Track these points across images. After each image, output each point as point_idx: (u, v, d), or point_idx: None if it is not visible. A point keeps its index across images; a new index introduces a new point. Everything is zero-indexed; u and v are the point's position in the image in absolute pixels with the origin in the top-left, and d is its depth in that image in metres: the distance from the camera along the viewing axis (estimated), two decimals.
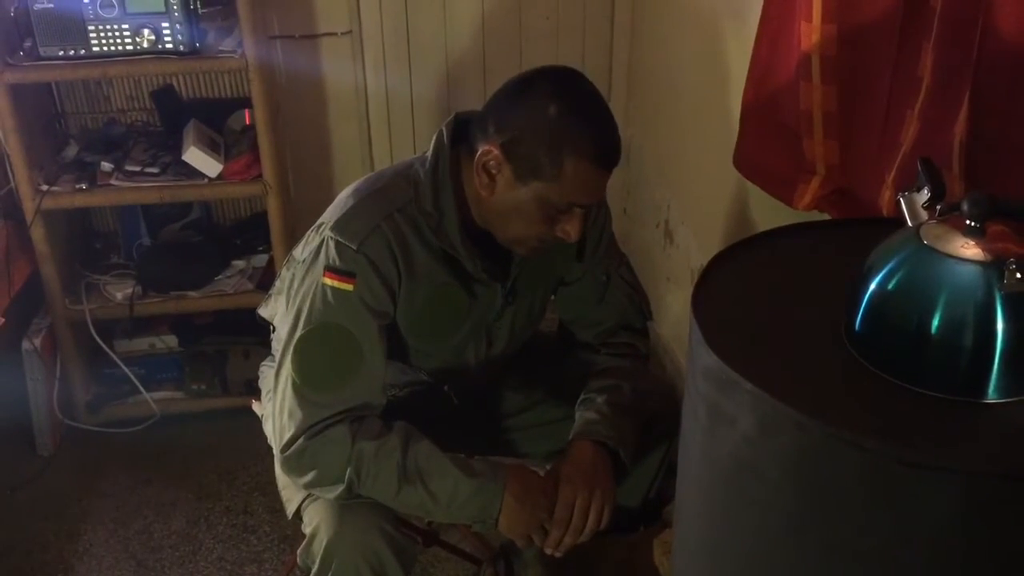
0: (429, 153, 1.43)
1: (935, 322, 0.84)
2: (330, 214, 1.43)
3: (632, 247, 2.55)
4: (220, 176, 2.23)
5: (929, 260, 0.85)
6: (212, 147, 2.26)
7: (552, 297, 1.64)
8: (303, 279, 1.41)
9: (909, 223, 0.94)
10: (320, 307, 1.38)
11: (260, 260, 2.46)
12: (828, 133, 1.48)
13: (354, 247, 1.37)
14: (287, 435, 1.38)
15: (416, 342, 1.51)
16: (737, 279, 1.03)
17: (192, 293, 2.37)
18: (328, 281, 1.37)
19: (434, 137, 1.43)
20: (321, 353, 1.39)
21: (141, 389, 2.42)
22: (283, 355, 1.41)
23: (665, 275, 2.50)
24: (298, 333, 1.39)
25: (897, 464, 0.76)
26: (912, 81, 1.27)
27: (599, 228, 1.57)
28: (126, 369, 2.41)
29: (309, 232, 1.46)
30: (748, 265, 1.06)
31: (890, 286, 0.87)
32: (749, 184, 1.76)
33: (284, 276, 1.53)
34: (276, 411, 1.41)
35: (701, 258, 2.23)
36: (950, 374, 0.85)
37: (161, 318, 2.47)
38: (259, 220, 2.46)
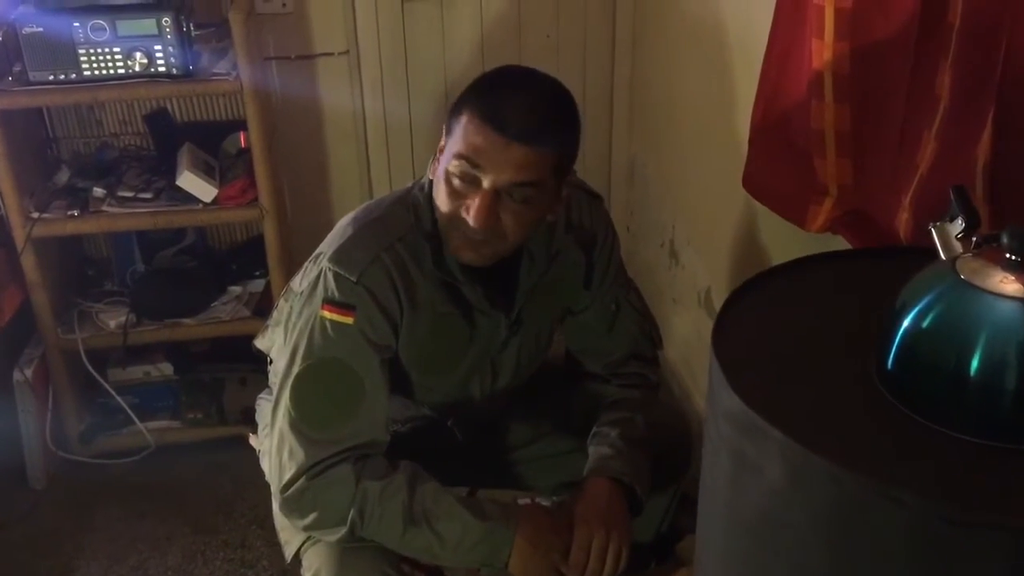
0: (427, 178, 1.39)
1: (974, 362, 0.79)
2: (328, 244, 1.38)
3: (636, 267, 2.50)
4: (215, 201, 2.19)
5: (967, 296, 0.81)
6: (207, 171, 2.22)
7: (560, 325, 1.59)
8: (301, 312, 1.36)
9: (942, 255, 0.89)
10: (319, 341, 1.33)
11: (257, 285, 2.41)
12: (841, 153, 1.45)
13: (354, 279, 1.32)
14: (287, 475, 1.33)
15: (419, 375, 1.46)
16: (758, 314, 0.98)
17: (187, 320, 2.32)
18: (327, 314, 1.33)
19: (431, 160, 1.39)
20: (321, 389, 1.34)
21: (135, 419, 2.36)
22: (280, 391, 1.36)
23: (671, 296, 2.45)
24: (296, 369, 1.34)
25: (942, 521, 0.71)
26: (929, 100, 1.23)
27: (606, 255, 1.53)
28: (119, 399, 2.35)
29: (307, 263, 1.42)
30: (769, 299, 1.01)
31: (925, 324, 0.83)
32: (757, 204, 1.72)
33: (282, 307, 1.48)
34: (274, 449, 1.36)
35: (708, 279, 2.18)
36: (991, 418, 0.80)
37: (156, 346, 2.41)
38: (255, 245, 2.41)
